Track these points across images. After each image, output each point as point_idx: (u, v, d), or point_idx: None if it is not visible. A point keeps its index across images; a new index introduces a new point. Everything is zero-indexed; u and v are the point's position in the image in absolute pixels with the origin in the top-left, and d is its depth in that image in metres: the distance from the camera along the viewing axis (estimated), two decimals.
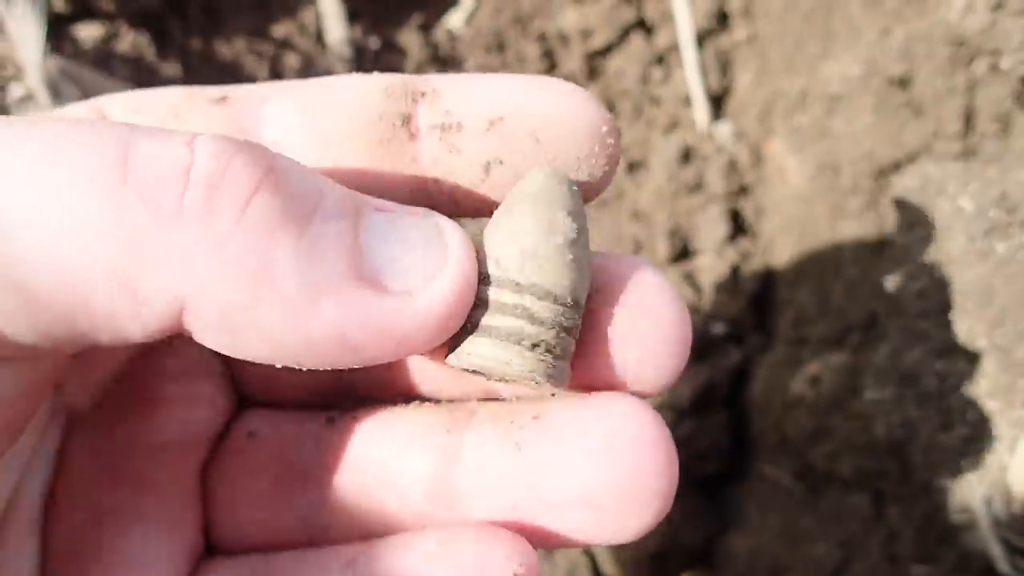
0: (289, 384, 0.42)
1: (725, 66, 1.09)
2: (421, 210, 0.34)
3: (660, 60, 1.10)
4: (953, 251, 0.69)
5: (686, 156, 1.06)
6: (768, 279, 1.03)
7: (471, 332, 0.34)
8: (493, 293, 0.34)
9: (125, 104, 0.38)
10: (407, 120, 0.36)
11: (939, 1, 0.86)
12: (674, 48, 1.08)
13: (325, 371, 0.36)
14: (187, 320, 0.29)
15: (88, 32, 1.01)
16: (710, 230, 1.03)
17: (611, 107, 1.12)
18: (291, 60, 1.08)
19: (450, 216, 0.36)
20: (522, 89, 0.36)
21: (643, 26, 1.10)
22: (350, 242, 0.31)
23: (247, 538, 0.40)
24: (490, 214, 0.37)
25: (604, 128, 0.35)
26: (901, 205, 0.76)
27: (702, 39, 1.08)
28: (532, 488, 0.35)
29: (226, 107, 0.37)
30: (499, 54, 1.14)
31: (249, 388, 0.43)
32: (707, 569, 0.93)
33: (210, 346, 0.31)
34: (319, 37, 1.10)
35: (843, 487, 0.86)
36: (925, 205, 0.73)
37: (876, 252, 0.92)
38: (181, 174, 0.29)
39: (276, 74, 1.08)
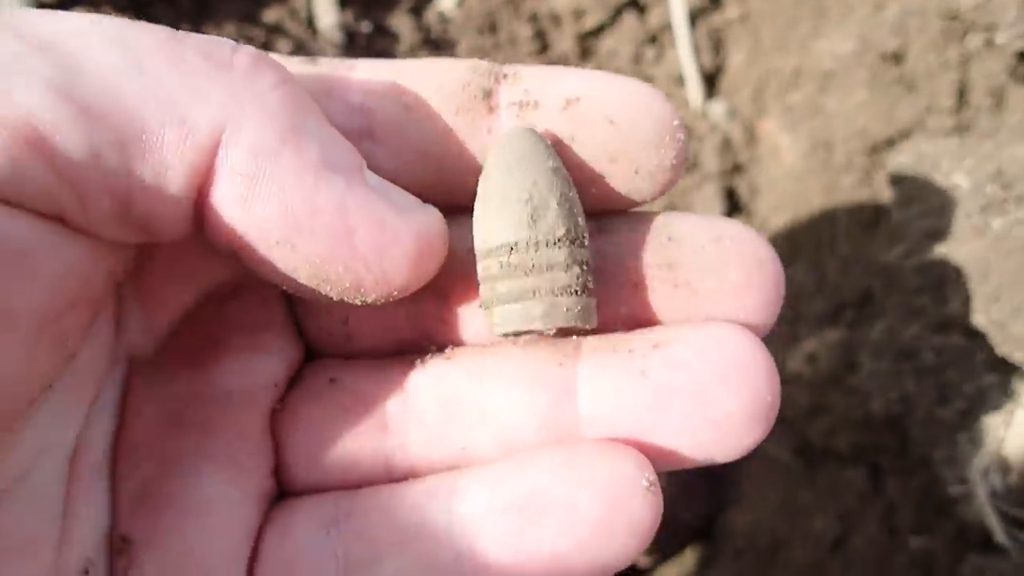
0: (365, 335, 0.42)
1: (718, 45, 1.09)
2: None
3: (653, 40, 1.10)
4: (949, 227, 0.70)
5: None
6: None
7: (516, 300, 0.37)
8: (524, 256, 0.37)
9: None
10: (488, 95, 0.39)
11: None
12: (667, 27, 1.08)
13: (400, 318, 0.41)
14: (218, 160, 0.32)
15: None
16: (705, 209, 1.04)
17: None
18: (282, 46, 1.07)
19: None
20: (600, 78, 0.38)
21: (636, 5, 1.10)
22: (359, 160, 0.35)
23: (326, 480, 0.41)
24: None
25: (675, 122, 0.38)
26: (896, 181, 0.76)
27: (695, 18, 1.07)
28: (660, 412, 0.37)
29: (315, 67, 0.39)
30: (491, 35, 1.13)
31: (321, 343, 0.44)
32: (707, 545, 0.94)
33: (219, 207, 0.33)
34: (310, 22, 1.09)
35: (840, 462, 0.87)
36: (920, 181, 0.73)
37: (870, 228, 0.92)
38: (230, 46, 0.34)
39: None
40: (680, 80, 1.08)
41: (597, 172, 0.39)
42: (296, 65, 0.39)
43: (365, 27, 1.11)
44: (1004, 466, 0.69)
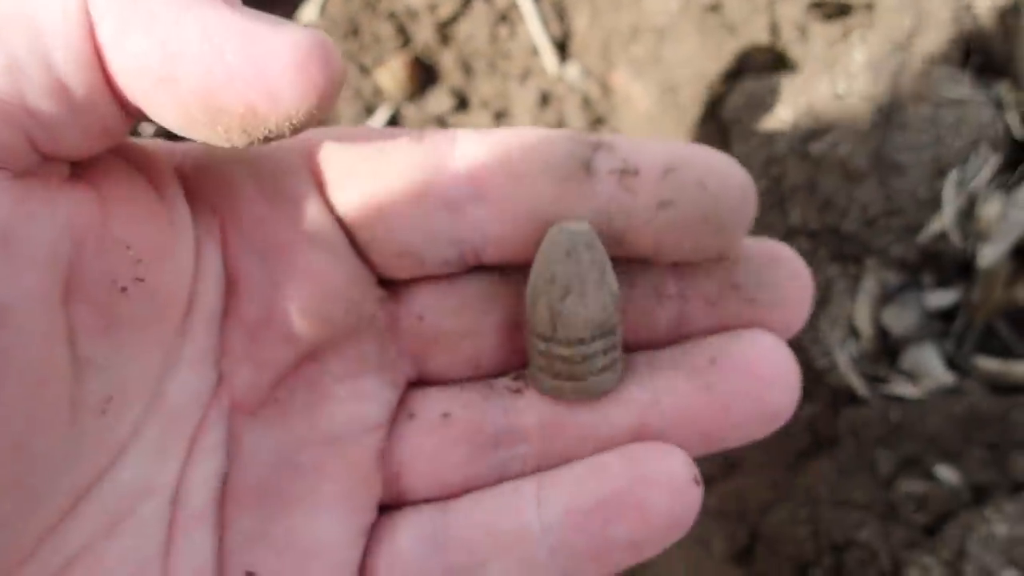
0: (461, 359, 0.46)
1: (561, 14, 1.21)
2: None
3: (503, 18, 1.21)
4: (780, 153, 0.84)
5: (544, 100, 1.19)
6: None
7: (552, 376, 0.43)
8: (554, 348, 0.43)
9: (331, 135, 0.43)
10: (588, 163, 0.42)
11: None
12: (514, 6, 1.19)
13: (490, 342, 0.45)
14: (90, 6, 0.32)
15: None
16: None
17: (468, 67, 1.22)
18: None
19: (612, 258, 0.42)
20: (687, 148, 0.42)
21: None
22: None
23: (443, 491, 0.45)
24: (650, 255, 0.44)
25: (749, 187, 0.42)
26: (733, 120, 0.90)
27: None
28: (724, 416, 0.43)
29: (422, 143, 0.42)
30: (356, 38, 1.22)
31: (428, 367, 0.47)
32: None
33: (110, 56, 0.33)
34: None
35: None
36: (751, 117, 0.88)
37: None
38: None
39: None
40: (535, 51, 1.20)
41: (692, 229, 0.43)
42: (405, 143, 0.42)
43: None
44: (856, 335, 0.85)
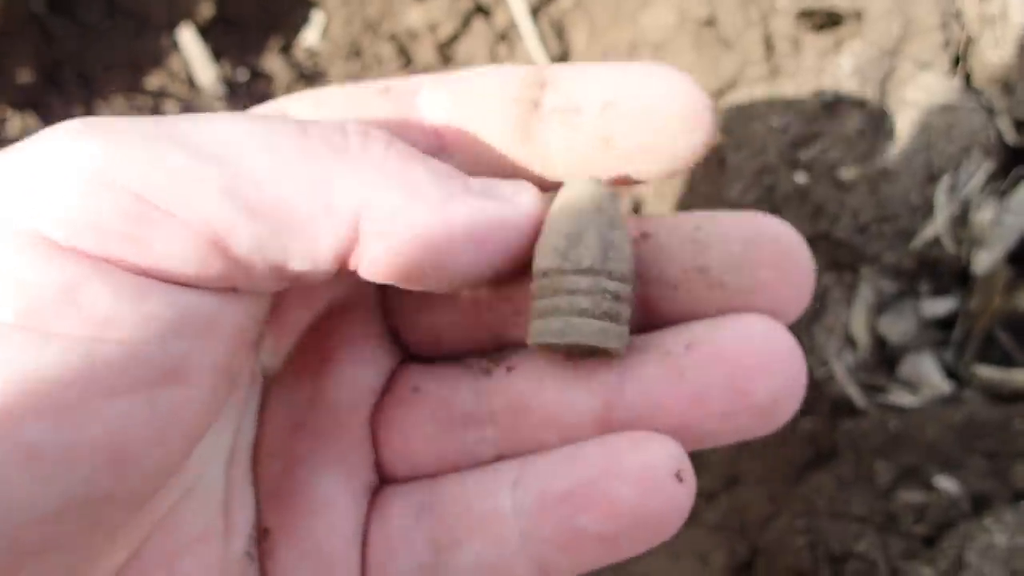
0: (447, 340, 0.48)
1: (560, 32, 1.21)
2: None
3: (503, 37, 1.22)
4: (772, 162, 0.84)
5: None
6: (640, 204, 1.17)
7: (542, 316, 0.41)
8: (554, 280, 0.41)
9: (305, 101, 0.45)
10: (536, 104, 0.43)
11: None
12: (512, 25, 1.20)
13: (476, 326, 0.46)
14: (362, 226, 0.37)
15: None
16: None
17: None
18: (170, 107, 1.15)
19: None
20: (632, 74, 0.42)
21: (481, 11, 1.21)
22: (462, 177, 0.40)
23: (416, 470, 0.47)
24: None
25: (703, 106, 0.41)
26: (727, 131, 0.90)
27: (535, 12, 1.20)
28: (701, 406, 0.41)
29: (388, 96, 0.44)
30: (357, 59, 1.24)
31: (411, 347, 0.49)
32: None
33: (372, 262, 0.38)
34: (192, 82, 1.18)
35: None
36: (744, 127, 0.88)
37: (720, 168, 1.07)
38: (341, 131, 0.39)
39: None
40: None
41: (634, 161, 0.43)
42: (372, 97, 0.44)
43: (242, 75, 1.20)
44: (852, 345, 0.85)
